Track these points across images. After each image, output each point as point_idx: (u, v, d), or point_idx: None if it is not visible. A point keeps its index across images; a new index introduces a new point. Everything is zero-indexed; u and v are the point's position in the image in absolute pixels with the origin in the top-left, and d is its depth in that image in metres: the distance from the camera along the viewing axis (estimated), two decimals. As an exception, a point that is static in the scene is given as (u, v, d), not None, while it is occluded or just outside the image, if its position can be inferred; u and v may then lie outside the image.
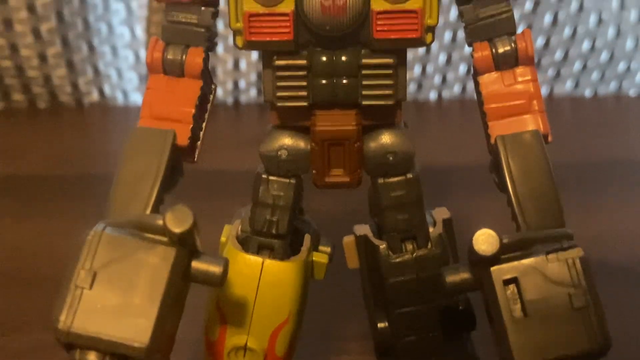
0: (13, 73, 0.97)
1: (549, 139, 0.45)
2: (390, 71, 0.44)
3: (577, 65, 1.02)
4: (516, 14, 0.45)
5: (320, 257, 0.49)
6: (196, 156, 0.46)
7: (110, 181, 0.44)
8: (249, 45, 0.44)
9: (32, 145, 0.91)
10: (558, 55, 1.01)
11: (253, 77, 1.00)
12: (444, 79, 1.01)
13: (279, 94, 0.44)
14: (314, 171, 0.46)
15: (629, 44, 1.01)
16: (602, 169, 0.84)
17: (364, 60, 0.43)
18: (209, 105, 0.46)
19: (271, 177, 0.46)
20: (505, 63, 0.45)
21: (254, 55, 0.98)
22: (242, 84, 1.00)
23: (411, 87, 1.01)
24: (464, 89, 1.02)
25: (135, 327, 0.39)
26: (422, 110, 1.01)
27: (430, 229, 0.48)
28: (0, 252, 0.69)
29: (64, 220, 0.73)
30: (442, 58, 1.00)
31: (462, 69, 1.00)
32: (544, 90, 0.99)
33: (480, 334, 0.48)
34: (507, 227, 0.43)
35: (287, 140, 0.46)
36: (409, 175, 0.46)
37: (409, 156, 0.46)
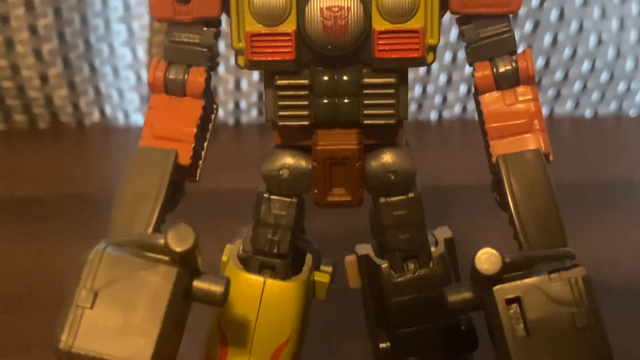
0: (14, 94, 0.98)
1: (550, 157, 0.45)
2: (391, 90, 0.44)
3: (577, 86, 1.02)
4: (516, 35, 0.46)
5: (322, 277, 0.49)
6: (198, 175, 0.46)
7: (111, 202, 0.44)
8: (251, 65, 0.44)
9: (32, 165, 0.91)
10: (558, 75, 1.01)
11: (254, 97, 1.00)
12: (444, 99, 1.02)
13: (281, 113, 0.44)
14: (315, 190, 0.46)
15: (629, 64, 1.02)
16: (603, 189, 0.84)
17: (366, 80, 0.44)
18: (210, 125, 0.47)
19: (273, 197, 0.46)
20: (506, 82, 0.45)
21: (255, 75, 0.98)
22: (244, 104, 1.01)
23: (412, 107, 1.01)
24: (464, 109, 1.02)
25: (137, 346, 0.39)
26: (423, 130, 1.01)
27: (432, 249, 0.48)
28: (0, 273, 0.69)
29: (65, 240, 0.73)
30: (443, 78, 1.00)
31: (463, 89, 1.01)
32: (544, 111, 0.99)
33: (482, 353, 0.48)
34: (509, 247, 0.43)
35: (288, 160, 0.46)
36: (411, 195, 0.46)
37: (410, 175, 0.46)
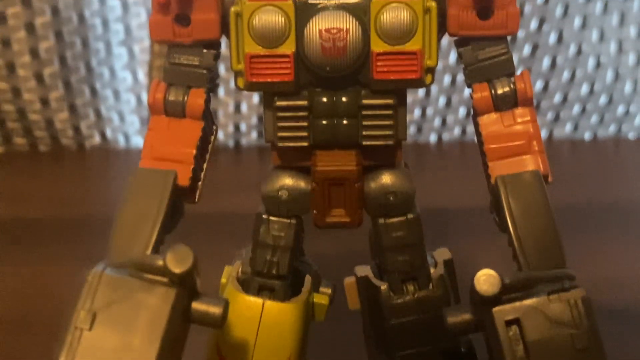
0: (15, 117, 0.98)
1: (549, 179, 0.45)
2: (390, 111, 0.44)
3: (576, 109, 1.02)
4: (515, 58, 0.46)
5: (321, 299, 0.49)
6: (197, 197, 0.46)
7: (111, 224, 0.44)
8: (250, 87, 0.44)
9: (33, 188, 0.92)
10: (557, 98, 1.01)
11: (254, 120, 1.00)
12: (443, 122, 1.02)
13: (280, 134, 0.44)
14: (314, 211, 0.46)
15: (628, 87, 1.02)
16: (602, 212, 0.84)
17: (364, 101, 0.44)
18: (210, 146, 0.47)
19: (272, 218, 0.46)
20: (504, 104, 0.45)
21: (255, 98, 0.99)
22: (243, 126, 1.01)
23: (411, 130, 1.01)
24: (463, 131, 1.03)
25: (135, 368, 0.39)
26: (423, 153, 1.01)
27: (432, 270, 0.48)
28: (0, 295, 0.69)
29: (65, 263, 0.73)
30: (442, 101, 1.00)
31: (462, 111, 1.01)
32: (543, 133, 1.00)
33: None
34: (508, 268, 0.43)
35: (287, 181, 0.46)
36: (410, 216, 0.46)
37: (409, 196, 0.46)
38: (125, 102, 1.00)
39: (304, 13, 0.43)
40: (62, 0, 0.93)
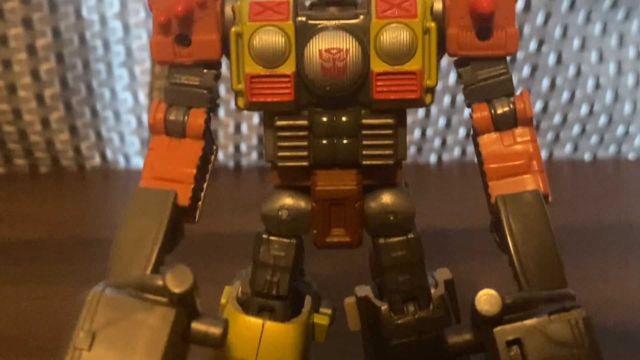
0: (16, 138, 0.98)
1: (549, 199, 0.45)
2: (390, 131, 0.44)
3: (576, 129, 1.03)
4: (514, 79, 0.46)
5: (321, 319, 0.48)
6: (197, 216, 0.46)
7: (111, 245, 0.44)
8: (251, 106, 0.44)
9: (33, 209, 0.91)
10: (557, 119, 1.02)
11: (254, 140, 1.00)
12: (443, 142, 1.02)
13: (280, 154, 0.44)
14: (314, 231, 0.46)
15: (627, 108, 1.02)
16: (602, 233, 0.84)
17: (364, 121, 0.44)
18: (210, 166, 0.47)
19: (272, 237, 0.46)
20: (504, 124, 0.46)
21: (255, 119, 0.99)
22: (244, 147, 1.01)
23: (411, 150, 1.01)
24: (463, 152, 1.03)
25: (134, 389, 0.39)
26: (423, 173, 1.01)
27: (432, 290, 0.48)
28: (1, 317, 0.69)
29: (65, 283, 0.73)
30: (442, 121, 1.01)
31: (462, 132, 1.01)
32: (543, 154, 1.00)
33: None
34: (509, 288, 0.43)
35: (287, 200, 0.46)
36: (410, 236, 0.46)
37: (409, 216, 0.46)
38: (125, 123, 1.01)
39: (304, 33, 0.43)
40: (64, 22, 0.94)
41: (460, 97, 0.96)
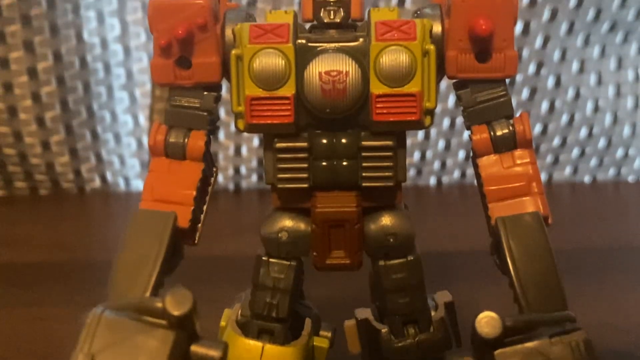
0: (16, 160, 0.98)
1: (549, 221, 0.45)
2: (389, 153, 0.44)
3: (576, 152, 1.03)
4: (513, 102, 0.46)
5: (321, 342, 0.48)
6: (197, 238, 0.46)
7: (111, 267, 0.44)
8: (251, 128, 0.44)
9: (33, 232, 0.91)
10: (556, 141, 1.02)
11: (254, 163, 1.01)
12: (443, 165, 1.02)
13: (280, 175, 0.44)
14: (314, 253, 0.46)
15: (626, 130, 1.03)
16: (602, 255, 0.83)
17: (364, 143, 0.44)
18: (210, 188, 0.47)
19: (272, 260, 0.46)
20: (503, 146, 0.46)
21: (255, 141, 0.99)
22: (243, 169, 1.01)
23: (411, 173, 1.01)
24: (463, 174, 1.03)
25: (133, 412, 0.38)
26: (422, 196, 1.01)
27: (432, 313, 0.47)
28: (0, 339, 0.69)
29: (65, 307, 0.72)
30: (441, 144, 1.01)
31: (461, 154, 1.01)
32: (543, 177, 1.00)
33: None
34: (509, 310, 0.43)
35: (287, 222, 0.46)
36: (410, 258, 0.46)
37: (409, 238, 0.46)
38: (126, 145, 1.01)
39: (304, 55, 0.43)
40: (65, 46, 0.94)
41: (459, 120, 0.97)
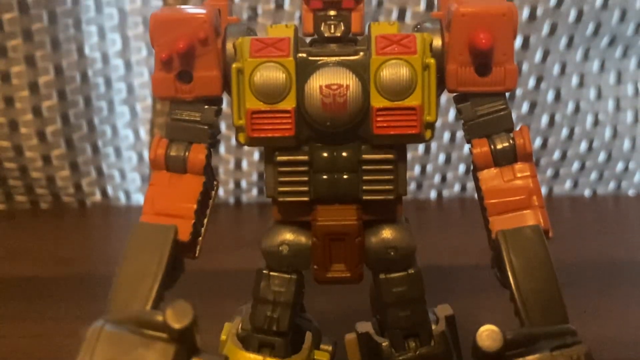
0: (17, 175, 0.98)
1: (550, 234, 0.45)
2: (390, 166, 0.44)
3: (576, 166, 1.03)
4: (513, 115, 0.47)
5: (322, 356, 0.48)
6: (197, 252, 0.46)
7: (112, 282, 0.44)
8: (251, 142, 0.44)
9: (34, 246, 0.91)
10: (556, 155, 1.02)
11: (254, 176, 1.01)
12: (443, 179, 1.02)
13: (281, 189, 0.44)
14: (315, 266, 0.46)
15: (626, 144, 1.03)
16: (602, 269, 0.83)
17: (364, 156, 0.44)
18: (210, 201, 0.47)
19: (272, 273, 0.46)
20: (504, 159, 0.46)
21: (256, 155, 0.99)
22: (244, 183, 1.01)
23: (411, 187, 1.01)
24: (463, 188, 1.03)
25: None
26: (423, 209, 1.01)
27: (433, 326, 0.47)
28: (1, 354, 0.68)
29: (66, 321, 0.72)
30: (442, 158, 1.01)
31: (462, 168, 1.01)
32: (543, 190, 1.00)
33: None
34: (510, 324, 0.42)
35: (288, 236, 0.46)
36: (411, 271, 0.46)
37: (410, 251, 0.46)
38: (126, 159, 1.01)
39: (304, 69, 0.43)
40: (66, 60, 0.94)
41: (460, 134, 0.97)
